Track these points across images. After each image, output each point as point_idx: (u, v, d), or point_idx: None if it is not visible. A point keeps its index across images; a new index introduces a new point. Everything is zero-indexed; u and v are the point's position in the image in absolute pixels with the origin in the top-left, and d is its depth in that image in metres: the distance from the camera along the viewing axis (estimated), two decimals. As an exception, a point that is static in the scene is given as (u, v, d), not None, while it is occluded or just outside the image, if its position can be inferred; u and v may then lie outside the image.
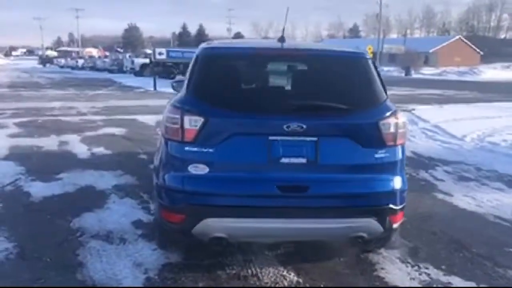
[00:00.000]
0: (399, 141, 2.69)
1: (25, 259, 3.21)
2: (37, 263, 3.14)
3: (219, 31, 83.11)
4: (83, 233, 3.66)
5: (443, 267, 3.17)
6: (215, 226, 2.59)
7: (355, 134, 2.63)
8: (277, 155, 2.59)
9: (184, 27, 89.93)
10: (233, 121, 2.61)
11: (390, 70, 44.53)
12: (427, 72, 40.90)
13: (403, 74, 38.89)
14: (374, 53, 46.99)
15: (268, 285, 2.89)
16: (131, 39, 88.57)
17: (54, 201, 4.48)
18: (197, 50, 3.19)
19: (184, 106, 2.68)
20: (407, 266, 3.18)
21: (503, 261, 3.28)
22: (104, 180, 5.20)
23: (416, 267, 3.16)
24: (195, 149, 2.61)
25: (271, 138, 2.58)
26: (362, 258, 3.29)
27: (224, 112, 2.62)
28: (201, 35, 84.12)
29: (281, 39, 3.12)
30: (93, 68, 41.11)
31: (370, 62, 2.83)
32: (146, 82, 22.84)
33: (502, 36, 74.11)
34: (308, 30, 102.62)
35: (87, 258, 3.23)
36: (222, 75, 2.82)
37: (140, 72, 28.34)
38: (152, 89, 19.37)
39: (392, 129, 2.66)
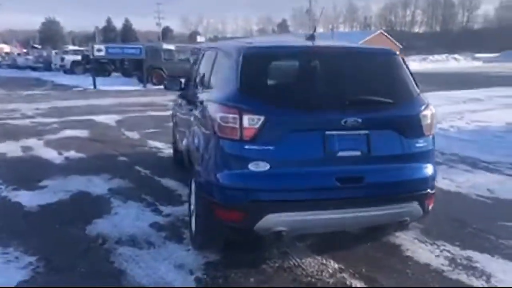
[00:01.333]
0: (432, 131, 2.97)
1: (57, 271, 3.05)
2: (73, 274, 3.01)
3: (148, 26, 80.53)
4: (105, 239, 3.54)
5: (457, 243, 3.53)
6: (277, 221, 2.67)
7: (400, 126, 2.86)
8: (334, 149, 2.73)
9: (108, 21, 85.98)
10: (291, 118, 2.71)
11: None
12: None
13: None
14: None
15: (314, 274, 3.03)
16: (49, 34, 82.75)
17: (53, 209, 4.23)
18: (229, 48, 3.25)
19: (241, 105, 2.71)
20: (426, 245, 3.49)
21: (503, 234, 3.72)
22: (95, 185, 4.99)
23: (435, 245, 3.48)
24: (255, 147, 2.66)
25: (327, 133, 2.72)
26: (384, 242, 3.56)
27: (283, 109, 2.70)
28: (127, 30, 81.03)
29: (311, 37, 3.26)
30: (12, 66, 37.82)
31: (400, 58, 3.07)
32: (81, 80, 21.72)
33: (416, 30, 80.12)
34: (238, 24, 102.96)
35: (124, 264, 3.14)
36: (271, 73, 2.90)
37: (71, 69, 26.78)
38: (92, 87, 18.47)
39: (429, 120, 2.93)
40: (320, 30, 62.70)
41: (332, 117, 2.72)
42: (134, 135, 8.08)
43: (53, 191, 4.73)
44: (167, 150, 6.80)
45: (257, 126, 2.65)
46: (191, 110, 4.06)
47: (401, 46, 60.63)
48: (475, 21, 76.70)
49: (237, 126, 2.67)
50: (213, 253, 3.27)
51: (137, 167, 5.76)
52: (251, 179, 2.67)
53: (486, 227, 3.86)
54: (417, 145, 2.89)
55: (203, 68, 4.05)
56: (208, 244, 3.22)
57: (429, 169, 2.94)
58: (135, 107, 12.03)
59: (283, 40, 3.43)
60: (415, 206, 2.86)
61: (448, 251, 3.40)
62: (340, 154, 2.73)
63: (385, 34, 60.81)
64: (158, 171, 5.54)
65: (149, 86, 19.02)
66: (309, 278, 2.98)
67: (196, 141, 3.24)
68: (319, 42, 3.25)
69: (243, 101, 2.73)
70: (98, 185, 4.99)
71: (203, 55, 4.25)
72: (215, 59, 3.55)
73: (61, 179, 5.21)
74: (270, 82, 2.85)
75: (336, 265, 3.14)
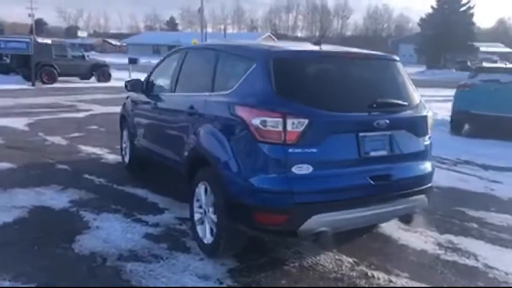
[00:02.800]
0: (431, 131, 3.33)
1: (72, 298, 2.70)
2: (91, 299, 2.70)
3: (16, 17, 72.01)
4: (104, 258, 3.21)
5: (433, 229, 3.98)
6: (321, 221, 2.74)
7: (413, 126, 3.15)
8: (367, 149, 2.90)
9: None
10: (331, 121, 2.80)
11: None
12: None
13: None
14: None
15: (335, 269, 3.17)
16: None
17: (18, 230, 3.67)
18: (247, 51, 3.28)
19: (284, 109, 2.71)
20: (412, 233, 3.87)
21: (463, 218, 4.31)
22: (49, 198, 4.45)
23: (418, 233, 3.88)
24: (298, 150, 2.69)
25: (361, 134, 2.88)
26: (375, 232, 3.86)
27: (322, 112, 2.78)
28: (-9, 21, 71.62)
29: (318, 42, 3.38)
30: None
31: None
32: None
33: (298, 35, 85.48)
34: (124, 21, 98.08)
35: (143, 281, 2.91)
36: (304, 77, 2.93)
37: None
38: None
39: (431, 121, 3.28)
40: (209, 30, 63.14)
41: (364, 119, 2.89)
42: (59, 140, 7.30)
43: (2, 210, 4.09)
44: (109, 156, 6.32)
45: (300, 129, 2.68)
46: (175, 112, 3.89)
47: (286, 49, 64.36)
48: (347, 28, 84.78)
49: (281, 129, 2.68)
50: (227, 259, 3.21)
51: (87, 176, 5.26)
52: (295, 182, 2.70)
53: (447, 213, 4.42)
54: (424, 143, 3.23)
55: (194, 69, 3.91)
56: (228, 251, 3.14)
57: (431, 165, 3.30)
58: (40, 109, 10.80)
59: (296, 44, 3.47)
60: (423, 198, 3.18)
61: (431, 237, 3.83)
62: (372, 154, 2.92)
63: (273, 37, 63.77)
64: (114, 179, 5.14)
65: (39, 84, 17.18)
66: (334, 274, 3.11)
67: (209, 144, 3.14)
68: (327, 47, 3.38)
69: (285, 104, 2.74)
70: (53, 197, 4.46)
71: (186, 56, 4.08)
72: (217, 60, 3.48)
73: (2, 194, 4.52)
74: (304, 86, 2.89)
75: (350, 259, 3.33)
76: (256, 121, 2.74)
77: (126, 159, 5.57)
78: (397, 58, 3.43)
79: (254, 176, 2.76)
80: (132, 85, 4.86)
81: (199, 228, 3.39)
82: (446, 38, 37.75)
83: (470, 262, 3.40)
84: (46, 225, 3.78)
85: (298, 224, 2.71)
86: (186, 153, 3.57)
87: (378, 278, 3.07)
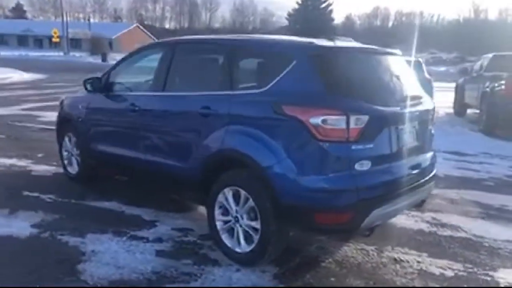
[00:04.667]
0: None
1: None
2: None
3: None
4: (130, 284, 2.79)
5: (413, 208, 4.37)
6: (378, 215, 2.79)
7: (427, 118, 3.39)
8: (405, 141, 3.03)
9: None
10: (383, 115, 2.85)
11: (76, 56, 42.97)
12: (120, 57, 41.80)
13: (98, 60, 38.39)
14: (60, 37, 44.01)
15: (368, 260, 3.27)
16: None
17: (-6, 268, 2.95)
18: (286, 49, 3.09)
19: (346, 106, 2.67)
20: (406, 215, 4.20)
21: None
22: (2, 224, 3.66)
23: (402, 213, 4.24)
24: (360, 146, 2.69)
25: (400, 127, 2.99)
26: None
27: (376, 108, 2.81)
28: None
29: (332, 38, 3.38)
30: None
31: None
32: None
33: (167, 26, 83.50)
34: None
35: (198, 304, 2.62)
36: (349, 74, 2.90)
37: None
38: None
39: (434, 112, 3.58)
40: (68, 19, 57.65)
41: (401, 113, 3.01)
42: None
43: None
44: (38, 167, 5.41)
45: (362, 126, 2.69)
46: (174, 113, 3.57)
47: (157, 40, 62.38)
48: (216, 20, 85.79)
49: (344, 127, 2.64)
50: (266, 266, 3.07)
51: (28, 193, 4.44)
52: (358, 178, 2.70)
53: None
54: (431, 132, 3.52)
55: (196, 66, 3.57)
56: (273, 256, 3.01)
57: (434, 154, 3.62)
58: None
59: (318, 40, 3.36)
60: (432, 183, 3.48)
61: (417, 216, 4.21)
62: (409, 145, 3.08)
63: (141, 28, 61.19)
64: (67, 194, 4.44)
65: None
66: (369, 264, 3.21)
67: (246, 146, 2.94)
68: (347, 43, 3.40)
69: (343, 102, 2.70)
70: (7, 224, 3.67)
71: (175, 51, 3.68)
72: (234, 57, 3.26)
73: None
74: (350, 82, 2.86)
75: (371, 247, 3.47)
76: (316, 120, 2.66)
77: (72, 170, 4.86)
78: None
79: (315, 176, 2.69)
80: (92, 84, 4.25)
81: (225, 237, 3.17)
82: (311, 32, 40.86)
83: (460, 234, 3.84)
84: (27, 258, 3.12)
85: (360, 221, 2.73)
86: (199, 157, 3.27)
87: (408, 261, 3.27)
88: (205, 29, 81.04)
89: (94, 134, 4.43)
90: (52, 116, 9.26)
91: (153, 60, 4.02)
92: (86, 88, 4.32)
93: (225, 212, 3.18)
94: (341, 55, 2.98)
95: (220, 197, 3.17)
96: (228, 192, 3.11)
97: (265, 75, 3.03)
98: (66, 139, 4.90)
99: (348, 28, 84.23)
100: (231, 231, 3.14)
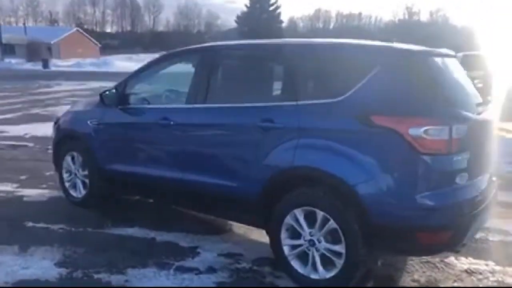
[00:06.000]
0: None
1: None
2: None
3: None
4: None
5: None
6: (475, 229, 2.64)
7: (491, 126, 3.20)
8: (486, 150, 2.89)
9: None
10: (474, 123, 2.68)
11: (12, 63, 40.08)
12: (64, 64, 39.63)
13: (38, 67, 35.95)
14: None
15: (440, 274, 3.12)
16: None
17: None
18: (367, 54, 2.85)
19: (445, 115, 2.47)
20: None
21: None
22: (20, 267, 3.11)
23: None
24: (459, 158, 2.50)
25: (482, 135, 2.85)
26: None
27: (469, 115, 2.64)
28: None
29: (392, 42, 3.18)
30: None
31: None
32: None
33: (108, 30, 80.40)
34: None
35: None
36: (435, 78, 2.68)
37: None
38: None
39: None
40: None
41: (480, 119, 2.86)
42: None
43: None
44: (29, 192, 4.76)
45: (461, 135, 2.50)
46: (224, 127, 3.22)
47: (99, 45, 59.74)
48: (160, 24, 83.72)
49: (446, 138, 2.43)
50: None
51: (34, 224, 3.87)
52: (459, 192, 2.51)
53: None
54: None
55: (246, 75, 3.23)
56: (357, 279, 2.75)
57: None
58: None
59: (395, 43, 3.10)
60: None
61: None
62: (486, 155, 2.94)
63: (82, 31, 58.37)
64: (79, 222, 3.91)
65: None
66: (449, 280, 3.04)
67: (329, 162, 2.66)
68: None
69: (441, 110, 2.49)
70: (26, 265, 3.13)
71: (217, 58, 3.31)
72: (294, 63, 2.97)
73: None
74: (441, 88, 2.63)
75: (436, 259, 3.30)
76: (416, 131, 2.43)
77: (77, 193, 4.30)
78: None
79: (416, 193, 2.46)
80: (110, 97, 3.76)
81: (295, 263, 2.86)
82: (260, 35, 41.06)
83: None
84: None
85: (462, 238, 2.55)
86: (258, 176, 2.94)
87: (480, 272, 3.13)
88: (148, 33, 78.97)
89: (109, 153, 3.93)
90: (17, 130, 8.47)
91: (182, 69, 3.65)
92: (104, 102, 3.81)
93: (295, 235, 2.88)
94: (428, 59, 2.75)
95: (288, 219, 2.87)
96: (300, 213, 2.82)
97: (341, 82, 2.77)
98: (68, 158, 4.33)
99: (292, 31, 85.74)
100: (303, 256, 2.85)
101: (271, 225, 2.97)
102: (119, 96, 3.81)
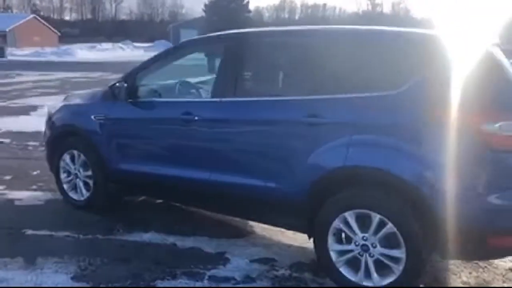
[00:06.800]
0: None
1: None
2: None
3: None
4: None
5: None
6: None
7: None
8: None
9: None
10: None
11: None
12: (21, 53, 37.51)
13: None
14: None
15: (486, 275, 3.01)
16: None
17: None
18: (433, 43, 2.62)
19: None
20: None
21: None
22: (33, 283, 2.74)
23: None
24: None
25: None
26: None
27: None
28: None
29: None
30: None
31: None
32: None
33: (67, 18, 76.90)
34: None
35: None
36: (507, 70, 2.51)
37: None
38: None
39: None
40: None
41: None
42: None
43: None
44: (19, 194, 4.31)
45: None
46: (260, 123, 2.92)
47: (59, 34, 57.06)
48: (122, 12, 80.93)
49: None
50: None
51: (34, 231, 3.47)
52: None
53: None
54: None
55: (282, 65, 2.95)
56: None
57: None
58: None
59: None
60: None
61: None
62: None
63: (39, 19, 55.49)
64: (84, 228, 3.53)
65: None
66: (496, 280, 2.94)
67: (392, 160, 2.45)
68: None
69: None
70: (40, 279, 2.77)
71: (249, 46, 3.02)
72: (343, 54, 2.75)
73: None
74: (505, 78, 2.50)
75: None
76: (491, 126, 2.26)
77: (78, 196, 3.90)
78: None
79: (490, 193, 2.30)
80: (121, 90, 3.39)
81: (344, 270, 2.65)
82: (229, 24, 40.41)
83: None
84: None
85: None
86: (303, 176, 2.71)
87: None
88: (110, 21, 76.26)
89: (119, 151, 3.57)
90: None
91: (202, 60, 3.34)
92: (116, 96, 3.43)
93: (343, 239, 2.68)
94: (496, 49, 2.59)
95: (337, 223, 2.65)
96: (351, 216, 2.61)
97: (396, 73, 2.56)
98: (67, 157, 3.91)
99: (258, 21, 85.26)
100: (353, 262, 2.64)
101: (316, 229, 2.74)
102: (129, 88, 3.44)
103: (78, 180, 3.90)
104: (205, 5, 43.83)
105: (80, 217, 3.78)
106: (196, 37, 3.46)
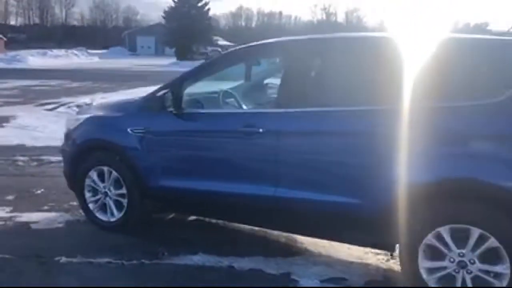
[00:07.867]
0: None
1: None
2: None
3: None
4: None
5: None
6: None
7: None
8: None
9: None
10: None
11: None
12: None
13: None
14: None
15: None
16: None
17: None
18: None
19: None
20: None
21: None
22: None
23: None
24: None
25: None
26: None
27: None
28: None
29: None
30: None
31: None
32: None
33: (13, 23, 73.01)
34: None
35: None
36: None
37: None
38: None
39: None
40: None
41: None
42: None
43: None
44: (25, 216, 3.84)
45: None
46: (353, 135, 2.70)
47: (5, 39, 53.92)
48: (73, 17, 77.91)
49: None
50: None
51: (68, 259, 3.07)
52: None
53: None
54: None
55: (358, 73, 2.76)
56: None
57: None
58: None
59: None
60: None
61: None
62: None
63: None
64: (124, 252, 3.19)
65: None
66: None
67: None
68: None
69: None
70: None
71: (325, 51, 2.83)
72: (448, 59, 2.63)
73: None
74: None
75: None
76: None
77: (108, 217, 3.53)
78: None
79: None
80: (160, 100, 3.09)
81: None
82: (190, 31, 39.83)
83: None
84: None
85: None
86: (392, 190, 2.56)
87: None
88: (60, 27, 73.19)
89: (165, 167, 3.25)
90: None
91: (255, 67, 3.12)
92: (159, 107, 3.12)
93: (435, 256, 2.54)
94: None
95: (429, 238, 2.52)
96: (446, 232, 2.48)
97: (491, 80, 2.48)
98: (94, 175, 3.54)
99: (215, 28, 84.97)
100: (447, 279, 2.52)
101: (405, 245, 2.60)
102: (176, 99, 3.15)
103: (108, 199, 3.53)
104: (165, 12, 42.95)
105: (113, 239, 3.41)
106: (251, 43, 3.20)
